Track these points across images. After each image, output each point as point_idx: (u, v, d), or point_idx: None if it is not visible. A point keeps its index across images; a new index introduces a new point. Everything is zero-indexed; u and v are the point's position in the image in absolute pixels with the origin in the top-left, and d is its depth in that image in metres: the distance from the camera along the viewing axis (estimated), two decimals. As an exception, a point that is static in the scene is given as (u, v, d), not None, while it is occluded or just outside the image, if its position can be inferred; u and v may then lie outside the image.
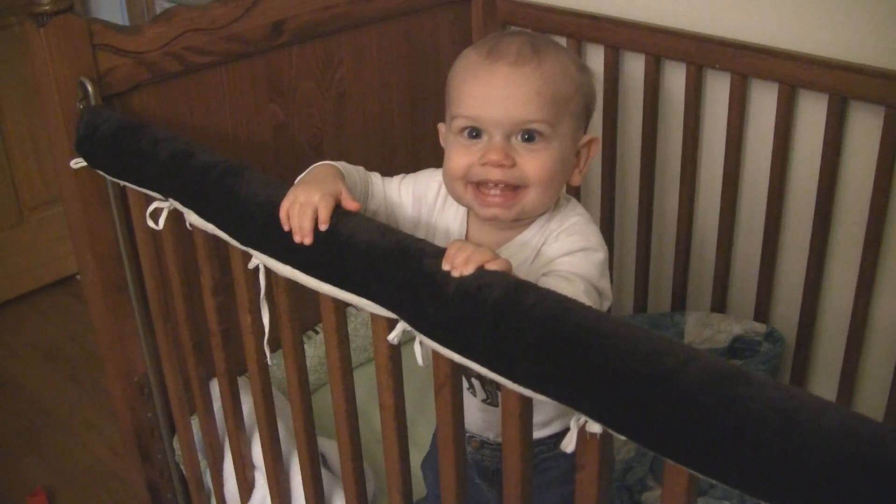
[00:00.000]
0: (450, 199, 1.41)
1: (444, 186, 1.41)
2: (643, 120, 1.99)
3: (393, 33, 2.02)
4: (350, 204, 1.20)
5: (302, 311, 1.32)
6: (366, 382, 1.35)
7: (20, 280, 3.19)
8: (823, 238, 1.82)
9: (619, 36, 1.97)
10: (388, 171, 2.06)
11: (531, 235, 1.35)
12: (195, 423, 1.72)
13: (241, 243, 1.25)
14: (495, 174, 1.27)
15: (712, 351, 1.90)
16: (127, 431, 1.82)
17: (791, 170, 1.84)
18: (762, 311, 1.94)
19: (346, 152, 1.99)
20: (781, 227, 1.88)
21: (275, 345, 1.39)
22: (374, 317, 1.11)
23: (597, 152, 1.39)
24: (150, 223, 1.42)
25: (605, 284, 1.29)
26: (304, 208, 1.17)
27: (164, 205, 1.38)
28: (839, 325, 1.85)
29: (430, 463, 1.59)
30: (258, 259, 1.24)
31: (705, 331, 1.92)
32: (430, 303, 1.01)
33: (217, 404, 1.61)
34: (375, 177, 1.48)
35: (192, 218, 1.32)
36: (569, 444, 0.95)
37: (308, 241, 1.16)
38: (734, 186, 1.91)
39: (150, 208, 1.41)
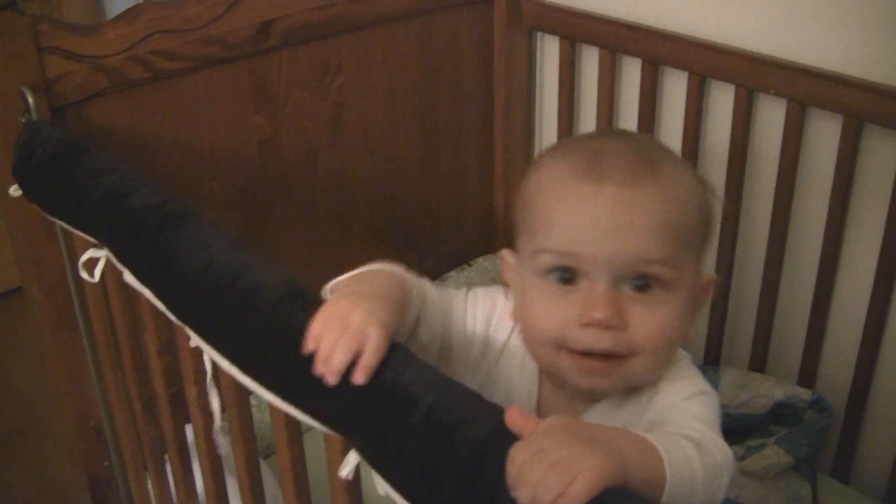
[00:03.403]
0: (514, 339, 1.10)
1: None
2: (682, 147, 1.74)
3: (403, 36, 1.78)
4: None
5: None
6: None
7: (12, 272, 2.97)
8: (887, 292, 1.56)
9: (660, 49, 1.72)
10: (397, 193, 1.85)
11: (617, 400, 1.04)
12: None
13: (178, 318, 1.01)
14: (603, 341, 0.95)
15: (750, 416, 1.66)
16: (81, 479, 1.61)
17: (852, 208, 1.58)
18: (808, 374, 1.69)
19: (345, 170, 1.77)
20: (837, 277, 1.63)
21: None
22: (327, 436, 0.88)
23: (712, 296, 1.06)
24: (84, 274, 1.18)
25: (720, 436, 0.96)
26: (350, 335, 0.83)
27: (101, 253, 1.15)
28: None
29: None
30: (198, 341, 1.00)
31: (742, 393, 1.67)
32: (387, 432, 0.78)
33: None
34: (430, 290, 1.10)
35: (127, 277, 1.08)
36: None
37: (335, 380, 0.82)
38: (784, 225, 1.65)
39: (84, 257, 1.17)
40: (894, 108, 1.46)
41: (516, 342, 1.09)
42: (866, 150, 1.54)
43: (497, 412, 0.77)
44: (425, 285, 1.08)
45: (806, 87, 1.55)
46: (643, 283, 0.95)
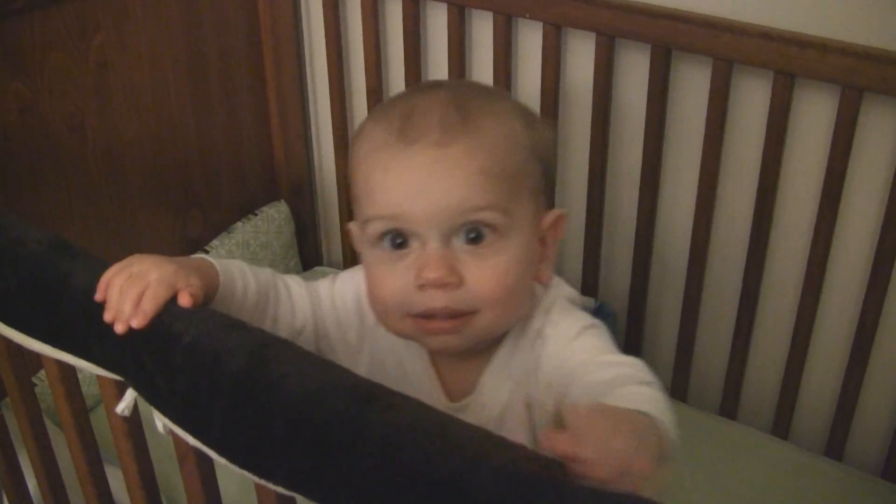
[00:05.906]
0: None
1: None
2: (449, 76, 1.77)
3: (161, -9, 1.75)
4: (186, 300, 0.85)
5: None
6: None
7: None
8: (652, 204, 1.64)
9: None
10: (172, 152, 1.82)
11: (507, 351, 1.05)
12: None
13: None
14: (439, 300, 0.95)
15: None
16: None
17: (614, 123, 1.65)
18: (590, 283, 1.77)
19: (115, 133, 1.72)
20: (606, 193, 1.70)
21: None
22: (100, 377, 0.87)
23: (565, 231, 1.07)
24: None
25: None
26: (131, 283, 0.85)
27: None
28: (672, 298, 1.70)
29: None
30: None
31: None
32: (156, 372, 0.78)
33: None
34: (293, 286, 1.11)
35: None
36: None
37: (122, 328, 0.82)
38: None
39: None
40: (643, 23, 1.53)
41: None
42: (619, 66, 1.61)
43: (254, 337, 0.78)
44: (289, 280, 1.10)
45: (559, 10, 1.60)
46: (475, 235, 0.95)
